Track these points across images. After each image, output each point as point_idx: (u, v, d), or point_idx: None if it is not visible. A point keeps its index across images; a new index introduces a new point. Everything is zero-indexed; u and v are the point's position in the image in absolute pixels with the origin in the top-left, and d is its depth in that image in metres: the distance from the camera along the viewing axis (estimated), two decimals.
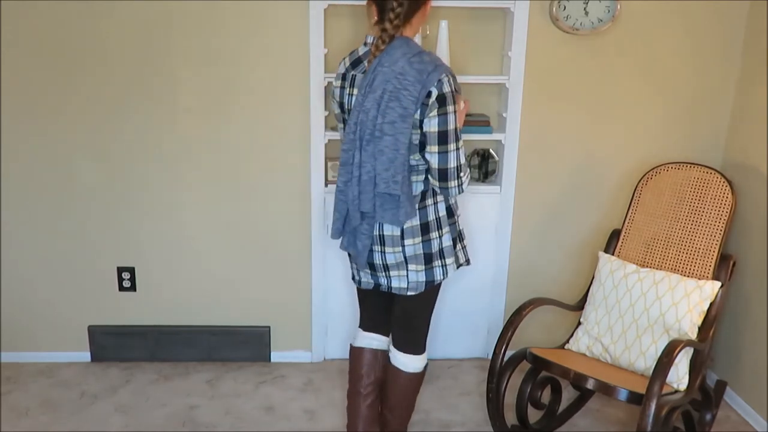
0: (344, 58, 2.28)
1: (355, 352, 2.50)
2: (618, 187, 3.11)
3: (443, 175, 2.17)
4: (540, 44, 2.91)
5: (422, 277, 2.31)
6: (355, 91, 2.19)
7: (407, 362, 2.43)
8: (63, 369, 3.16)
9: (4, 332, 3.18)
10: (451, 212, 2.32)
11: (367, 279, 2.37)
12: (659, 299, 2.56)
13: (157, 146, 2.97)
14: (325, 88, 2.88)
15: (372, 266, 2.32)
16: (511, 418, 2.70)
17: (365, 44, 2.23)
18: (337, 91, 2.27)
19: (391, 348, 2.47)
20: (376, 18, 2.16)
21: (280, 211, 3.07)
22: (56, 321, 3.18)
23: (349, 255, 2.41)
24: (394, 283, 2.32)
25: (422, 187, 2.23)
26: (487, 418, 2.70)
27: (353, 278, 2.43)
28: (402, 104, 2.08)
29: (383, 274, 2.32)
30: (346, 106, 2.23)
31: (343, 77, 2.24)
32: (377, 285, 2.36)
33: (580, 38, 2.92)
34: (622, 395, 2.32)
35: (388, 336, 2.53)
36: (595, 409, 2.92)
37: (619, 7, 2.83)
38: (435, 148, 2.13)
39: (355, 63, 2.23)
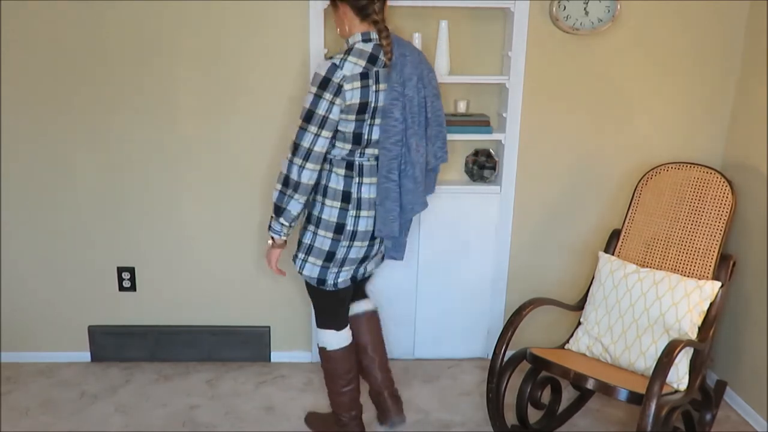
0: (346, 59, 2.21)
1: (350, 349, 2.56)
2: (618, 187, 3.11)
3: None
4: (540, 44, 2.91)
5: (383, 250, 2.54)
6: (382, 87, 2.23)
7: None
8: (63, 369, 3.16)
9: (4, 332, 3.18)
10: None
11: (346, 276, 2.44)
12: (659, 299, 2.56)
13: (157, 146, 2.97)
14: None
15: (366, 258, 2.45)
16: (511, 418, 2.70)
17: (368, 41, 2.26)
18: (357, 92, 2.21)
19: (360, 301, 2.69)
20: (356, 17, 2.25)
21: None
22: (56, 321, 3.18)
23: (331, 259, 2.39)
24: (370, 267, 2.54)
25: None
26: (487, 418, 2.71)
27: (334, 285, 2.43)
28: (433, 84, 2.41)
29: (368, 260, 2.48)
30: (372, 104, 2.24)
31: (365, 76, 2.21)
32: (354, 278, 2.47)
33: (580, 38, 2.92)
34: (622, 395, 2.32)
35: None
36: (595, 409, 2.92)
37: (619, 7, 2.83)
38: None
39: (372, 60, 2.23)
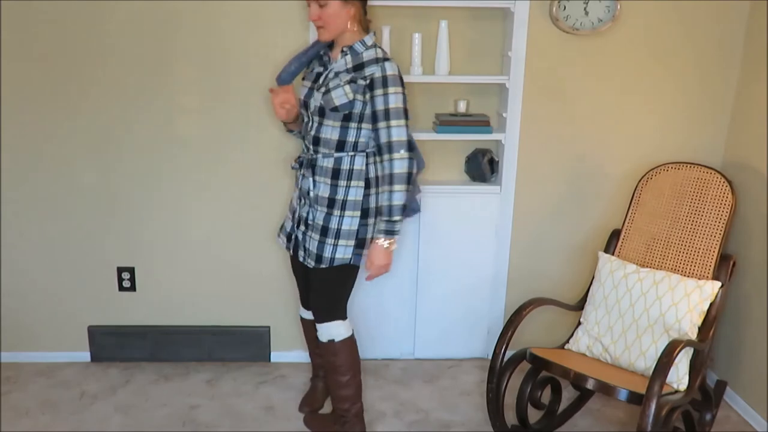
0: (390, 57, 2.37)
1: (354, 338, 2.60)
2: (618, 187, 3.11)
3: None
4: (540, 44, 2.91)
5: None
6: None
7: None
8: (63, 369, 3.16)
9: (4, 332, 3.18)
10: None
11: None
12: (659, 299, 2.56)
13: (157, 146, 2.97)
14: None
15: None
16: (511, 418, 2.70)
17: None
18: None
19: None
20: (357, 18, 2.37)
21: (280, 211, 3.07)
22: (56, 321, 3.18)
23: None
24: None
25: None
26: (487, 418, 2.71)
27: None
28: None
29: None
30: None
31: None
32: None
33: (580, 38, 2.92)
34: (622, 395, 2.32)
35: None
36: (595, 409, 2.92)
37: (619, 7, 2.83)
38: None
39: None
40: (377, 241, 2.37)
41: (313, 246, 2.46)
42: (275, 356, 3.28)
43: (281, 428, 2.77)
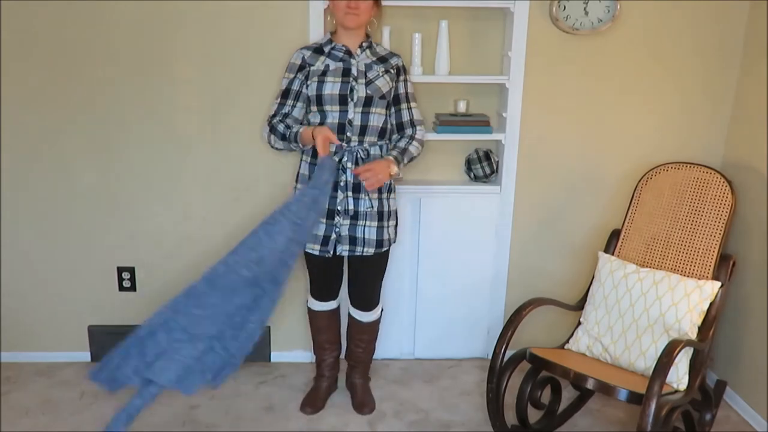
0: None
1: None
2: (618, 187, 3.11)
3: None
4: (540, 44, 2.91)
5: None
6: None
7: None
8: (63, 369, 3.16)
9: (4, 332, 3.18)
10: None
11: None
12: (659, 299, 2.56)
13: (157, 146, 2.97)
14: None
15: None
16: (511, 418, 2.70)
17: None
18: None
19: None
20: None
21: None
22: (56, 321, 3.18)
23: None
24: None
25: None
26: (487, 418, 2.71)
27: None
28: None
29: None
30: None
31: None
32: None
33: (580, 38, 2.92)
34: (622, 395, 2.32)
35: None
36: (595, 409, 2.92)
37: (619, 7, 2.83)
38: None
39: None
40: (389, 158, 2.54)
41: (371, 233, 2.61)
42: (275, 356, 3.28)
43: (281, 428, 2.77)
